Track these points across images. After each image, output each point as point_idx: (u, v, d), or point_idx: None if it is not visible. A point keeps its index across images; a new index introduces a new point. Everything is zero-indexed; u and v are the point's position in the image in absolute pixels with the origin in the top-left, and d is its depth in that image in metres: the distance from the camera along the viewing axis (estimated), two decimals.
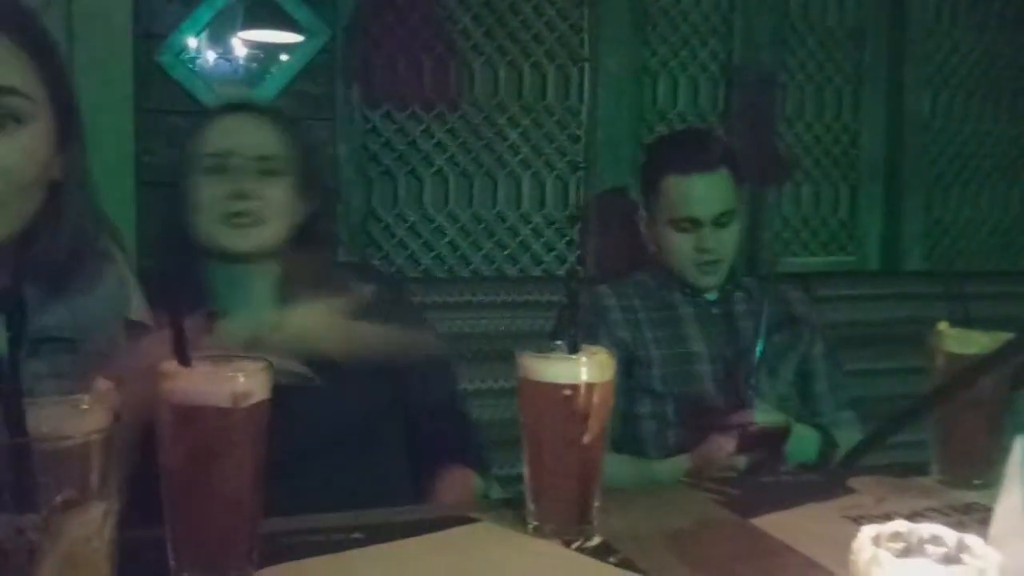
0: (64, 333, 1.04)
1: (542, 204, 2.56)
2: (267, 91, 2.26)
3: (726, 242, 1.87)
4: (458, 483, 1.52)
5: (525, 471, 1.06)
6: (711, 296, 1.91)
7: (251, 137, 1.56)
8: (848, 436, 1.69)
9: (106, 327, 1.11)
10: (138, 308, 1.18)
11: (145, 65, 2.18)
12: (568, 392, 1.02)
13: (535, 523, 1.05)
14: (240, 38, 2.26)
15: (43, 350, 1.01)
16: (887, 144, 2.91)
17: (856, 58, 2.88)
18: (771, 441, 1.65)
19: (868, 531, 0.73)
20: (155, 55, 2.19)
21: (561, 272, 2.51)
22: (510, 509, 1.10)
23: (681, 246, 1.86)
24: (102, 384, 0.76)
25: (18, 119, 0.99)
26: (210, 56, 2.25)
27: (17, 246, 1.03)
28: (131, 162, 2.14)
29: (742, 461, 1.64)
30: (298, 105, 2.27)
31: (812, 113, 2.85)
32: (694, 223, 1.85)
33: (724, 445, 1.63)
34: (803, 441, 1.71)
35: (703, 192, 1.85)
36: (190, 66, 2.23)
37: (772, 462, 1.65)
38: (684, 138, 2.04)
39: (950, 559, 0.67)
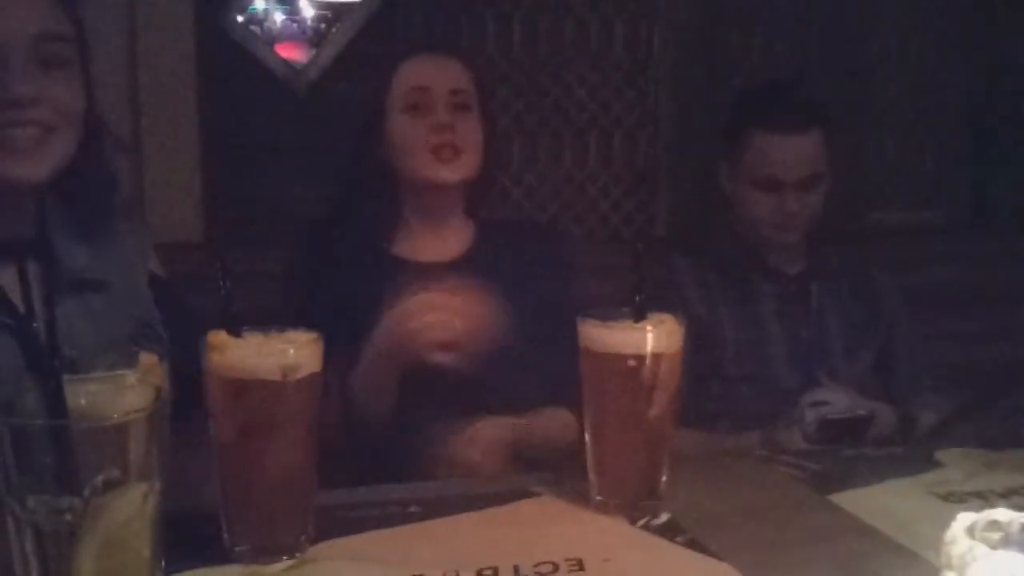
0: (94, 274, 1.07)
1: (609, 163, 2.49)
2: (327, 51, 2.24)
3: (810, 204, 1.76)
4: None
5: (588, 443, 1.02)
6: (791, 272, 1.81)
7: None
8: (931, 421, 1.59)
9: (132, 271, 1.15)
10: (156, 263, 1.22)
11: (207, 27, 2.17)
12: (633, 363, 0.97)
13: (599, 498, 1.01)
14: None
15: (74, 291, 1.04)
16: (976, 92, 2.74)
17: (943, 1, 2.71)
18: (850, 431, 1.56)
19: (963, 520, 0.67)
20: (218, 16, 2.18)
21: (628, 233, 2.44)
22: (573, 482, 1.05)
23: (761, 205, 1.76)
24: (146, 359, 0.74)
25: (66, 63, 1.03)
26: (276, 17, 2.24)
27: (44, 192, 1.06)
28: (194, 123, 2.14)
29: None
30: (358, 65, 2.24)
31: (897, 60, 2.69)
32: (777, 184, 1.74)
33: (797, 435, 1.54)
34: (882, 427, 1.61)
35: (791, 154, 1.72)
36: (253, 27, 2.21)
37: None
38: (775, 93, 1.87)
39: None
